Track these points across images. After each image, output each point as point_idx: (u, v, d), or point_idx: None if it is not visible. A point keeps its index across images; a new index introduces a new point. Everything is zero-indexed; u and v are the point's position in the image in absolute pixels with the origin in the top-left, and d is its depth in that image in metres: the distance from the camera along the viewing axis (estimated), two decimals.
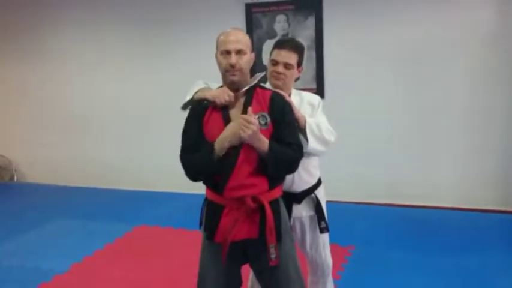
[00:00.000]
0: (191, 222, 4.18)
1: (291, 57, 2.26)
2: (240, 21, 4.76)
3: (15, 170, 6.22)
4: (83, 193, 5.47)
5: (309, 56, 4.60)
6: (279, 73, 2.25)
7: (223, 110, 1.98)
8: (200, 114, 2.02)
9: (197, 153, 1.96)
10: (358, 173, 4.70)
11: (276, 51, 2.29)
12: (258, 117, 1.94)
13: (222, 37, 1.99)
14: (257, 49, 4.68)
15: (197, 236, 3.99)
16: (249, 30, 4.75)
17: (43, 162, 6.07)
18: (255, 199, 1.95)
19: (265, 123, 1.96)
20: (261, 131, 1.93)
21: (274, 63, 2.28)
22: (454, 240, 3.69)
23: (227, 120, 1.97)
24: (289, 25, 4.69)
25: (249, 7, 4.80)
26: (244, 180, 1.94)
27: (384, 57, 4.50)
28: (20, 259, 3.67)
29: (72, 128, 5.86)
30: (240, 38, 1.97)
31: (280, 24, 4.72)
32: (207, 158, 1.93)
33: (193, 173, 2.01)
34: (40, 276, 3.31)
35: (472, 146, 4.39)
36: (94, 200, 5.17)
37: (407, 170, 4.58)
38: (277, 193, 2.06)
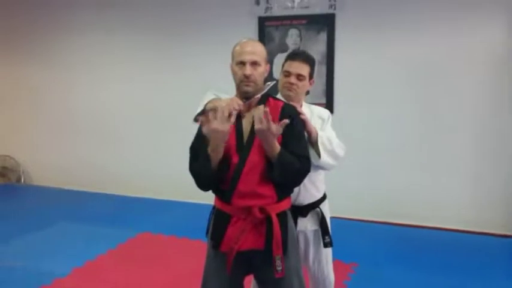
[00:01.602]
0: (195, 232, 4.17)
1: (304, 69, 2.29)
2: (253, 34, 4.79)
3: (23, 172, 6.25)
4: (88, 198, 5.47)
5: (320, 70, 4.62)
6: (292, 84, 2.28)
7: (236, 120, 1.97)
8: None
9: (198, 161, 1.97)
10: (364, 190, 4.67)
11: (288, 63, 2.32)
12: None
13: (238, 48, 2.01)
14: (268, 62, 4.70)
15: (200, 245, 3.96)
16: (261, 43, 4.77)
17: (50, 166, 6.10)
18: (262, 210, 1.94)
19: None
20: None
21: (287, 74, 2.30)
22: (458, 262, 3.65)
23: (239, 130, 1.98)
24: (301, 39, 4.71)
25: (261, 20, 4.83)
26: (252, 190, 1.94)
27: (394, 76, 4.50)
28: (22, 260, 3.67)
29: (81, 133, 5.90)
30: (256, 50, 1.99)
31: (292, 39, 4.75)
32: (203, 165, 1.94)
33: (197, 182, 2.02)
34: (41, 279, 3.31)
35: (480, 168, 4.35)
36: (99, 205, 5.17)
37: (414, 189, 4.54)
38: (285, 205, 2.06)
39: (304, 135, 2.12)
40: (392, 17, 4.43)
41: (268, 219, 1.96)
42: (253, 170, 1.94)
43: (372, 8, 4.48)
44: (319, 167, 2.30)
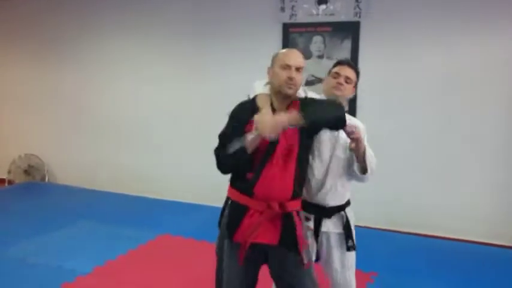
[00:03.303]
0: (214, 235, 4.20)
1: (352, 74, 2.42)
2: (277, 40, 4.82)
3: (47, 171, 6.38)
4: (111, 198, 5.55)
5: None
6: (341, 84, 2.38)
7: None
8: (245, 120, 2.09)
9: (231, 144, 2.04)
10: (386, 199, 4.63)
11: (338, 67, 2.44)
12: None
13: (283, 52, 2.16)
14: None
15: None
16: None
17: (75, 165, 6.22)
18: (281, 205, 2.06)
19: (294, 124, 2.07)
20: (290, 130, 2.05)
21: (336, 76, 2.41)
22: (478, 275, 3.59)
23: None
24: (325, 46, 4.72)
25: (286, 27, 4.85)
26: (274, 184, 2.05)
27: (418, 85, 4.47)
28: (45, 258, 3.74)
29: (105, 134, 6.00)
30: (301, 58, 2.15)
31: (316, 45, 4.75)
32: (238, 155, 2.03)
33: (221, 166, 2.10)
34: (63, 276, 3.37)
35: (505, 181, 4.29)
36: (121, 206, 5.24)
37: (436, 200, 4.50)
38: (298, 204, 2.18)
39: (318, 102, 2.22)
40: (417, 27, 4.41)
41: (285, 215, 2.08)
42: (279, 165, 2.05)
43: (397, 17, 4.47)
44: (356, 178, 2.39)
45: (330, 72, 2.48)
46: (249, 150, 2.01)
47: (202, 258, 3.78)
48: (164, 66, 5.56)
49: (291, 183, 2.10)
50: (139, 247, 4.01)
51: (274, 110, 2.09)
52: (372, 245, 4.01)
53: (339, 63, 2.48)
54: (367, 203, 4.39)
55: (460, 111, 4.36)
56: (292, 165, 2.09)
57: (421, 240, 4.38)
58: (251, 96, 2.21)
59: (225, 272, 2.16)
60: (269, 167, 2.05)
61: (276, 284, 2.22)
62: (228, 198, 2.21)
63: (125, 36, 5.73)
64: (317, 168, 2.36)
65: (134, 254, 3.88)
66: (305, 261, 2.09)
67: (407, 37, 4.45)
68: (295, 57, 2.12)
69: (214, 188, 4.79)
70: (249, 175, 2.06)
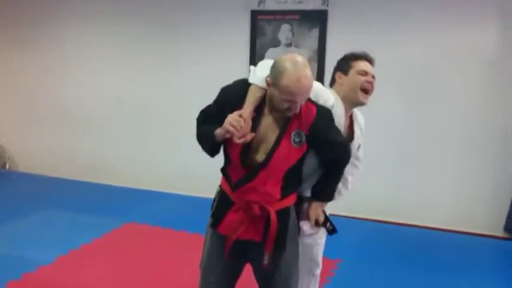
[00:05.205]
0: (180, 223, 4.19)
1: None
2: (245, 28, 4.77)
3: (8, 158, 6.19)
4: (75, 186, 5.44)
5: (311, 67, 4.62)
6: (372, 84, 2.17)
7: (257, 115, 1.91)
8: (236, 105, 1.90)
9: (206, 125, 1.98)
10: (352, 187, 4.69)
11: (362, 63, 2.22)
12: (293, 135, 1.89)
13: (286, 80, 1.77)
14: (259, 56, 4.69)
15: (184, 237, 4.00)
16: (253, 37, 4.77)
17: (37, 153, 6.04)
18: (262, 208, 1.92)
19: (300, 142, 1.90)
20: (292, 148, 1.89)
21: (364, 73, 2.18)
22: (443, 261, 3.69)
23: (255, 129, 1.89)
24: (293, 35, 4.71)
25: (254, 14, 4.82)
26: (258, 187, 1.91)
27: (385, 76, 4.46)
28: (6, 247, 3.64)
29: (69, 121, 5.85)
30: (308, 89, 1.83)
31: (285, 34, 4.74)
32: (205, 139, 1.97)
33: (198, 142, 2.02)
34: (24, 266, 3.28)
35: (468, 168, 4.40)
36: (86, 194, 5.14)
37: (401, 188, 4.59)
38: (288, 202, 2.01)
39: (334, 126, 2.01)
40: (385, 16, 4.45)
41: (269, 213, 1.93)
42: (269, 175, 1.90)
43: (364, 5, 4.50)
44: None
45: (344, 66, 2.24)
46: (217, 138, 1.91)
47: (168, 246, 3.78)
48: (128, 54, 5.45)
49: (278, 191, 1.94)
50: (104, 236, 3.95)
51: (272, 109, 1.89)
52: (337, 233, 4.06)
53: (358, 57, 2.23)
54: None
55: (427, 100, 4.43)
56: (280, 176, 1.92)
57: (386, 227, 4.47)
58: (250, 80, 1.95)
59: (210, 261, 2.07)
60: (255, 178, 1.90)
61: (258, 283, 2.12)
62: (220, 185, 2.09)
63: (88, 21, 5.58)
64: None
65: (99, 243, 3.81)
66: (264, 262, 1.96)
67: (375, 27, 4.48)
68: (301, 92, 1.78)
69: (180, 176, 4.77)
70: (233, 177, 1.96)
